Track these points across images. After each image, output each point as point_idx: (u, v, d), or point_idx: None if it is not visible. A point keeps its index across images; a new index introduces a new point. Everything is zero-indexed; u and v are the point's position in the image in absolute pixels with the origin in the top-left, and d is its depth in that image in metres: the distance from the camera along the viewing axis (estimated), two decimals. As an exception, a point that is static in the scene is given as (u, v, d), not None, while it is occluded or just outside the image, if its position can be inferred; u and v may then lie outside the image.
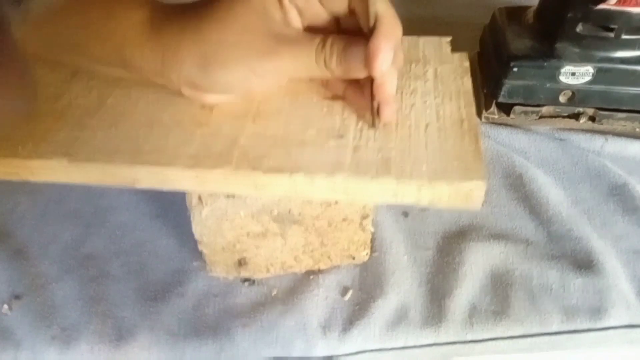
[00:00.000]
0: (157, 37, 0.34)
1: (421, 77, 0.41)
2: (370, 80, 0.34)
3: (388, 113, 0.36)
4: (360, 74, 0.34)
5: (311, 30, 0.35)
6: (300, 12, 0.34)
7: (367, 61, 0.32)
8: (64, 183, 0.37)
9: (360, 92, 0.38)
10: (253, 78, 0.34)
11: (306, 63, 0.34)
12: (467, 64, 0.43)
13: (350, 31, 0.35)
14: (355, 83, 0.38)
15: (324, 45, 0.33)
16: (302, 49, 0.34)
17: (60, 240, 0.49)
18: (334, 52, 0.33)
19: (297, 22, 0.34)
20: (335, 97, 0.40)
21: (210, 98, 0.38)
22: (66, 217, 0.51)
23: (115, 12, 0.34)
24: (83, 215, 0.51)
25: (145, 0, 0.35)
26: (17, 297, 0.45)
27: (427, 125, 0.37)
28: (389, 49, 0.32)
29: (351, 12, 0.34)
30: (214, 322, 0.43)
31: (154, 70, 0.35)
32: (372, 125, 0.37)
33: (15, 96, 0.32)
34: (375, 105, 0.36)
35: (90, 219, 0.51)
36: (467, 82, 0.41)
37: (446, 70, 0.42)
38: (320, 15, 0.35)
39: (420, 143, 0.36)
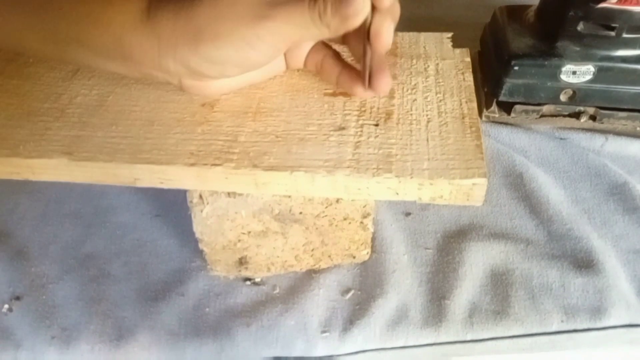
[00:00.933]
0: (154, 24, 0.34)
1: (422, 73, 0.42)
2: (364, 34, 0.34)
3: (383, 83, 0.36)
4: (358, 17, 0.33)
5: None
6: None
7: None
8: (65, 183, 0.37)
9: (354, 77, 0.38)
10: (247, 49, 0.34)
11: (300, 21, 0.33)
12: (468, 59, 0.43)
13: None
14: (349, 67, 0.38)
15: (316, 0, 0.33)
16: (294, 7, 0.33)
17: (60, 240, 0.49)
18: (328, 3, 0.32)
19: None
20: (335, 93, 0.40)
21: (211, 87, 0.38)
22: (66, 217, 0.51)
23: (113, 1, 0.34)
24: (83, 215, 0.51)
25: None
26: (17, 297, 0.45)
27: (428, 121, 0.37)
28: None
29: None
30: (214, 321, 0.43)
31: (152, 60, 0.35)
32: (365, 88, 0.37)
33: None
34: (368, 63, 0.35)
35: (91, 219, 0.51)
36: (469, 78, 0.41)
37: (447, 65, 0.42)
38: None
39: (422, 139, 0.36)
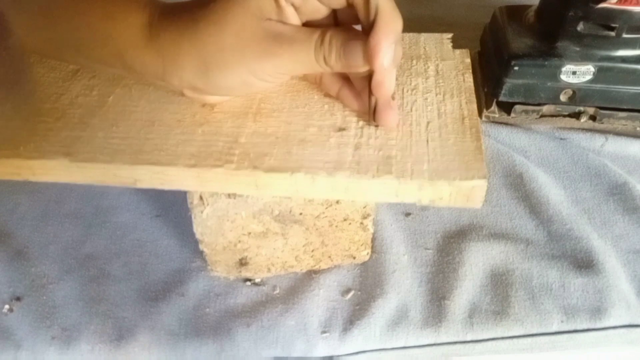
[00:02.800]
0: (156, 42, 0.34)
1: (422, 74, 0.41)
2: (369, 78, 0.34)
3: (390, 118, 0.36)
4: (361, 69, 0.34)
5: (309, 24, 0.35)
6: (297, 9, 0.34)
7: (368, 57, 0.32)
8: (65, 183, 0.37)
9: (354, 93, 0.38)
10: (254, 80, 0.34)
11: (306, 61, 0.34)
12: (468, 60, 0.43)
13: (348, 22, 0.35)
14: (349, 83, 0.38)
15: (322, 41, 0.33)
16: (300, 47, 0.33)
17: (60, 241, 0.49)
18: (333, 48, 0.33)
19: (294, 18, 0.34)
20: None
21: (212, 99, 0.38)
22: (67, 218, 0.51)
23: (114, 15, 0.34)
24: (83, 216, 0.51)
25: (144, 2, 0.35)
26: (17, 297, 0.45)
27: (428, 123, 0.37)
28: (390, 43, 0.31)
29: (349, 5, 0.33)
30: (214, 322, 0.43)
31: (155, 74, 0.35)
32: (369, 124, 0.37)
33: (12, 94, 0.32)
34: (373, 103, 0.36)
35: (91, 219, 0.51)
36: (469, 79, 0.41)
37: (447, 66, 0.42)
38: (317, 9, 0.35)
39: (422, 140, 0.36)
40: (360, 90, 0.37)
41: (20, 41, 0.36)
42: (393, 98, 0.37)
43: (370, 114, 0.36)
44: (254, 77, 0.34)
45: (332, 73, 0.39)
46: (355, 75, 0.37)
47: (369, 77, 0.34)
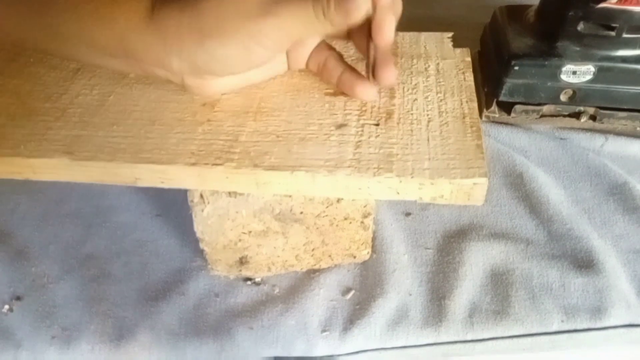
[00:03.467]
0: (158, 22, 0.34)
1: (423, 73, 0.42)
2: (367, 29, 0.34)
3: (388, 75, 0.36)
4: (360, 13, 0.33)
5: None
6: None
7: None
8: (65, 183, 0.37)
9: (356, 77, 0.38)
10: (252, 45, 0.34)
11: (304, 17, 0.34)
12: (468, 59, 0.43)
13: None
14: (351, 69, 0.38)
15: None
16: (298, 3, 0.33)
17: (61, 240, 0.49)
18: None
19: None
20: (335, 93, 0.40)
21: (212, 86, 0.38)
22: (67, 217, 0.51)
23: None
24: (84, 215, 0.51)
25: None
26: (17, 297, 0.45)
27: (429, 121, 0.37)
28: None
29: None
30: (214, 321, 0.43)
31: (156, 58, 0.35)
32: (367, 78, 0.37)
33: None
34: (372, 56, 0.36)
35: (91, 219, 0.51)
36: (469, 78, 0.41)
37: (448, 65, 0.42)
38: None
39: (422, 139, 0.36)
40: (364, 54, 0.37)
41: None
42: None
43: (369, 72, 0.36)
44: (253, 42, 0.34)
45: (335, 57, 0.39)
46: (356, 34, 0.37)
47: (369, 33, 0.34)
